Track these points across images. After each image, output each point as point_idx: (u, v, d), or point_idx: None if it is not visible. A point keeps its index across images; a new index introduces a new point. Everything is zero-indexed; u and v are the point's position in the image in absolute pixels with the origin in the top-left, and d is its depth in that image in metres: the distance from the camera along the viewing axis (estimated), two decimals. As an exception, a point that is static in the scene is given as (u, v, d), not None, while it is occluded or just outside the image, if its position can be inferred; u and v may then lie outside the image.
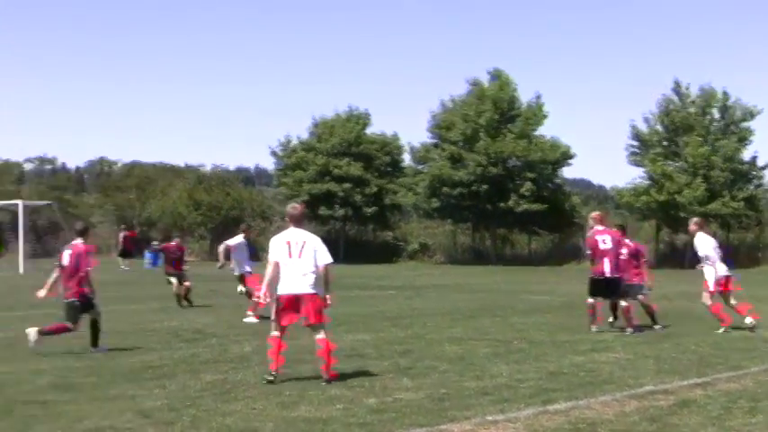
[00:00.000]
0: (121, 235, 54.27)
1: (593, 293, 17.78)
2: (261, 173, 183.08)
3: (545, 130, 59.89)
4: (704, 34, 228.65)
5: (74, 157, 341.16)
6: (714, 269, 17.32)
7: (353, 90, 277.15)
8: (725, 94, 53.35)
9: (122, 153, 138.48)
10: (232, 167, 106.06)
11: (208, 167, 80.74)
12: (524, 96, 60.34)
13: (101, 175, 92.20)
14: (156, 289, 28.51)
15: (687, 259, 42.75)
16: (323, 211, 62.60)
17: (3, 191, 76.52)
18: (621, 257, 17.88)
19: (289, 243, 12.15)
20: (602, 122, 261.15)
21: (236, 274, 22.37)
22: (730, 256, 21.67)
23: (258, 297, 12.96)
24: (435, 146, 61.64)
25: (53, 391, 10.99)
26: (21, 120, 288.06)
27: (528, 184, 55.53)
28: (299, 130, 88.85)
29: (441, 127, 60.65)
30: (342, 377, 11.87)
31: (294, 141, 66.87)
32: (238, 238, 22.67)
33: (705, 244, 17.54)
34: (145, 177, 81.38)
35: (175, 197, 72.47)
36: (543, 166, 56.75)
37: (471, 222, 62.49)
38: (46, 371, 12.60)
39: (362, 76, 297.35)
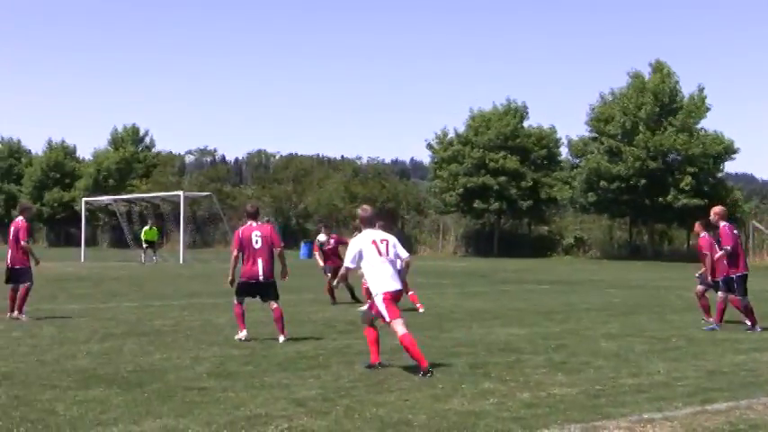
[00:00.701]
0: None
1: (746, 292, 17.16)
2: (416, 165, 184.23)
3: (707, 124, 58.58)
4: None
5: (233, 150, 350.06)
6: None
7: (511, 83, 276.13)
8: None
9: (280, 145, 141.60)
10: (388, 160, 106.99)
11: (364, 160, 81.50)
12: (686, 89, 58.96)
13: (259, 167, 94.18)
14: (309, 280, 28.89)
15: None
16: (478, 204, 62.53)
17: (165, 182, 78.84)
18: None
19: (375, 242, 12.59)
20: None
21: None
22: None
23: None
24: (593, 139, 60.84)
25: (211, 378, 11.25)
26: (183, 114, 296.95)
27: (688, 179, 54.24)
28: (456, 123, 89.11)
29: (599, 120, 59.79)
30: (495, 371, 11.82)
31: (450, 134, 66.98)
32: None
33: None
34: (302, 169, 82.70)
35: (331, 189, 73.44)
36: (704, 161, 55.29)
37: (629, 217, 61.43)
38: (204, 358, 12.91)
39: (520, 69, 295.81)
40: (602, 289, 29.28)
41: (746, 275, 17.09)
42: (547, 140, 66.15)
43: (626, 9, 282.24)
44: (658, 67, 58.67)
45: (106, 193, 72.68)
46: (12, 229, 18.84)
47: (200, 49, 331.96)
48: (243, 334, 15.13)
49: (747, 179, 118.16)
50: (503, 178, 61.73)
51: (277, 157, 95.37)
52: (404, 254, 13.06)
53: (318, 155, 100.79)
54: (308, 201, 75.61)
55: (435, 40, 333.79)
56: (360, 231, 13.39)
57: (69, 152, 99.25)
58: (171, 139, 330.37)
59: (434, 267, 44.16)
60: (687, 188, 54.14)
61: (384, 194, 70.08)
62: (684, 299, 24.07)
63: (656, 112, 56.54)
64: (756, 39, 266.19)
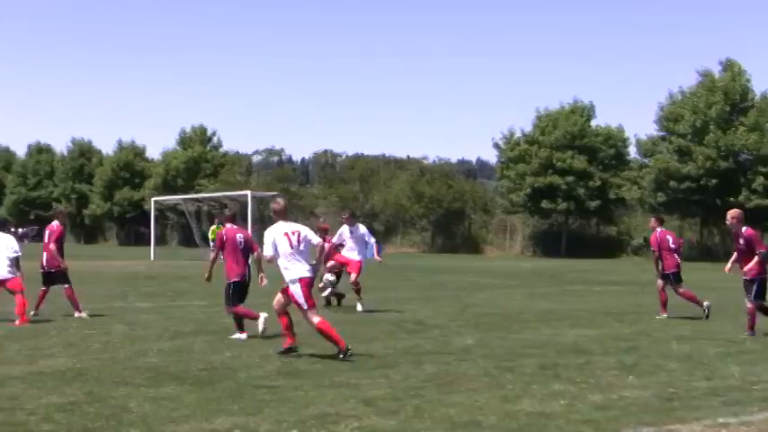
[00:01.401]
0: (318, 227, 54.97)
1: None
2: (483, 165, 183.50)
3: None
4: None
5: (300, 150, 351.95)
6: None
7: (578, 82, 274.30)
8: None
9: (347, 145, 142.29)
10: (454, 159, 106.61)
11: (430, 159, 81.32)
12: (758, 87, 58.04)
13: (325, 167, 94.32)
14: (373, 280, 28.92)
15: None
16: (545, 204, 62.23)
17: (233, 181, 79.43)
18: None
19: (287, 234, 13.28)
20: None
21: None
22: None
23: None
24: (662, 138, 60.18)
25: (281, 376, 11.31)
26: (251, 114, 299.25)
27: (760, 179, 53.45)
28: (523, 123, 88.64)
29: (668, 119, 59.12)
30: (565, 372, 11.74)
31: (517, 134, 66.73)
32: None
33: None
34: (368, 169, 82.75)
35: (398, 189, 73.45)
36: (777, 161, 54.38)
37: (699, 218, 60.69)
38: (274, 357, 12.98)
39: (588, 68, 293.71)
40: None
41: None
42: (615, 140, 65.64)
43: (696, 6, 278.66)
44: (729, 66, 57.92)
45: (174, 193, 73.50)
46: (47, 232, 19.15)
47: (267, 50, 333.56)
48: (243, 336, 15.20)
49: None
50: (570, 178, 61.35)
51: (343, 157, 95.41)
52: (315, 239, 13.66)
53: (384, 154, 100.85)
54: (374, 200, 75.73)
55: (502, 38, 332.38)
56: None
57: (139, 152, 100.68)
58: (238, 139, 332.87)
59: (501, 268, 44.02)
60: (760, 188, 53.37)
61: (450, 194, 69.95)
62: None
63: (727, 111, 55.84)
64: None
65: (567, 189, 61.34)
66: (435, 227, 71.62)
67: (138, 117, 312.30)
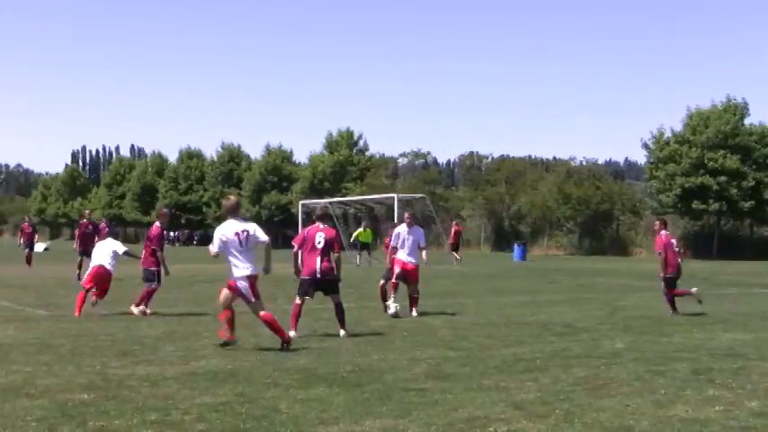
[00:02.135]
0: (453, 230, 54.68)
1: None
2: (631, 166, 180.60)
3: None
4: None
5: (445, 152, 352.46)
6: None
7: (731, 80, 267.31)
8: None
9: (492, 147, 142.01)
10: (601, 160, 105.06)
11: (577, 161, 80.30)
12: None
13: (471, 169, 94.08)
14: (524, 282, 28.72)
15: None
16: (696, 205, 60.72)
17: (379, 185, 79.91)
18: None
19: (237, 233, 13.94)
20: None
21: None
22: None
23: None
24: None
25: (429, 379, 11.31)
26: (396, 117, 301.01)
27: None
28: (673, 122, 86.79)
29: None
30: (719, 377, 11.43)
31: (667, 133, 65.27)
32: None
33: None
34: (514, 171, 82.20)
35: (545, 191, 72.80)
36: None
37: None
38: (421, 360, 13.00)
39: (740, 65, 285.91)
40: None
41: None
42: (770, 139, 63.65)
43: None
44: None
45: (321, 196, 74.39)
46: (149, 233, 20.74)
47: (413, 54, 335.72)
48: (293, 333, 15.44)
49: None
50: (722, 178, 59.73)
51: (489, 159, 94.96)
52: (263, 238, 14.30)
53: (531, 156, 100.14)
54: (520, 202, 75.22)
55: (650, 38, 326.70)
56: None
57: (286, 156, 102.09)
58: (384, 142, 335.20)
59: (651, 270, 43.10)
60: None
61: (598, 195, 68.97)
62: None
63: None
64: None
65: (719, 189, 59.72)
66: (582, 229, 70.73)
67: (285, 122, 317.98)
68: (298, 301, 16.15)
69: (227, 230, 13.98)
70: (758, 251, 60.66)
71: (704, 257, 59.97)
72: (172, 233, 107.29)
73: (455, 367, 12.29)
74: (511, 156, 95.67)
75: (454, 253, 51.58)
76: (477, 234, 78.43)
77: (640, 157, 78.68)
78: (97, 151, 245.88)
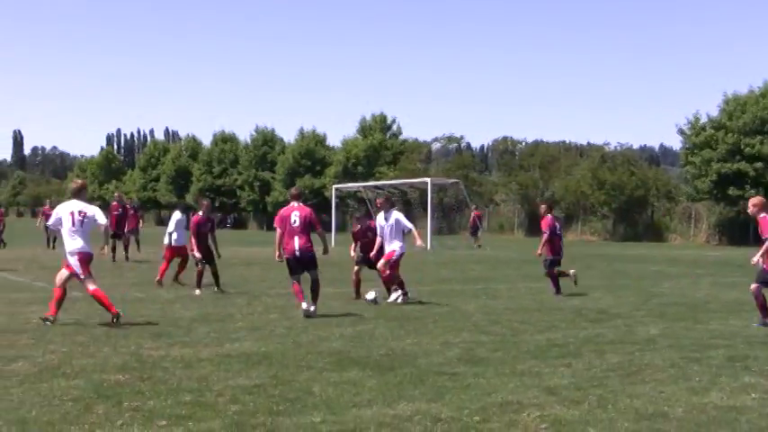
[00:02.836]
0: (472, 215, 54.54)
1: None
2: (666, 152, 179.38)
3: None
4: None
5: (479, 137, 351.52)
6: None
7: None
8: None
9: (526, 132, 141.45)
10: (636, 146, 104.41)
11: (611, 146, 79.72)
12: None
13: (504, 154, 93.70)
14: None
15: None
16: (732, 191, 60.13)
17: (412, 169, 79.80)
18: None
19: (72, 213, 14.70)
20: None
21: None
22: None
23: None
24: None
25: (462, 363, 11.30)
26: (430, 101, 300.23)
27: None
28: (709, 108, 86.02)
29: None
30: (756, 365, 11.35)
31: (703, 119, 64.68)
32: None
33: None
34: (548, 156, 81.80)
35: (579, 176, 72.41)
36: None
37: None
38: (454, 344, 12.99)
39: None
40: None
41: None
42: (809, 124, 62.91)
43: None
44: None
45: (355, 180, 74.38)
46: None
47: (446, 38, 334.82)
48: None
49: None
50: (759, 164, 59.07)
51: (523, 144, 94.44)
52: (102, 221, 15.03)
53: (565, 141, 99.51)
54: (554, 187, 74.85)
55: (688, 23, 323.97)
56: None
57: (320, 140, 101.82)
58: (418, 126, 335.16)
59: (686, 256, 42.89)
60: None
61: (633, 181, 68.43)
62: None
63: None
64: None
65: (756, 176, 59.05)
66: (617, 214, 70.21)
67: (319, 106, 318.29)
68: (294, 282, 16.76)
69: (64, 209, 14.92)
70: (795, 238, 60.02)
71: (740, 244, 59.40)
72: (218, 214, 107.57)
73: (488, 352, 12.28)
74: (545, 141, 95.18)
75: (473, 237, 51.59)
76: (510, 219, 78.17)
77: (675, 143, 78.49)
78: (132, 134, 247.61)
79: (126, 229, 33.40)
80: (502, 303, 19.12)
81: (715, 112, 64.08)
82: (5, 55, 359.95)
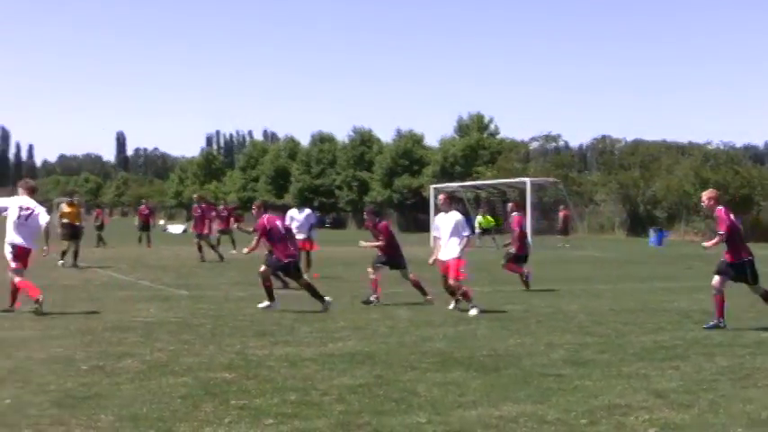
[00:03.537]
0: (561, 214, 53.83)
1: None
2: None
3: None
4: None
5: (577, 136, 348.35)
6: None
7: None
8: None
9: (626, 131, 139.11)
10: (739, 144, 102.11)
11: (714, 144, 78.17)
12: None
13: (603, 153, 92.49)
14: (660, 268, 28.16)
15: None
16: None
17: (510, 168, 79.28)
18: None
19: (20, 207, 15.79)
20: None
21: None
22: None
23: None
24: None
25: (567, 365, 11.16)
26: (527, 100, 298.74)
27: None
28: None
29: None
30: None
31: (811, 116, 63.16)
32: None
33: None
34: (648, 155, 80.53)
35: (681, 175, 71.20)
36: None
37: None
38: (558, 345, 12.85)
39: None
40: None
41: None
42: None
43: None
44: None
45: (452, 180, 74.10)
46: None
47: (543, 36, 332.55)
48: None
49: None
50: None
51: (622, 143, 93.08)
52: (43, 220, 15.93)
53: (665, 140, 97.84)
54: (656, 187, 73.63)
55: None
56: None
57: (417, 140, 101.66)
58: (515, 126, 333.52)
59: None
60: None
61: (737, 180, 67.04)
62: None
63: None
64: None
65: None
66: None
67: (416, 106, 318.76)
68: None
69: (14, 202, 16.09)
70: None
71: None
72: (316, 213, 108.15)
73: (593, 353, 12.12)
74: (645, 140, 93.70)
75: (562, 237, 51.09)
76: (611, 219, 77.15)
77: (781, 141, 76.38)
78: (231, 135, 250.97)
79: (216, 229, 33.71)
80: (605, 304, 18.89)
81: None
82: (109, 58, 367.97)
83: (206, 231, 32.99)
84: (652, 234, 56.66)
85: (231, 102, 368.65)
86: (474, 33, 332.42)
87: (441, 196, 18.34)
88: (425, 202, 70.62)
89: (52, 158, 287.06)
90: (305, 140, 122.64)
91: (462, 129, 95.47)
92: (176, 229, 78.83)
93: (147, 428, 7.70)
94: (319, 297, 17.01)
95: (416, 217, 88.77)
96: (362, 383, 9.77)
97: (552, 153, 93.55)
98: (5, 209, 15.99)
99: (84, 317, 15.29)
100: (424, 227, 73.40)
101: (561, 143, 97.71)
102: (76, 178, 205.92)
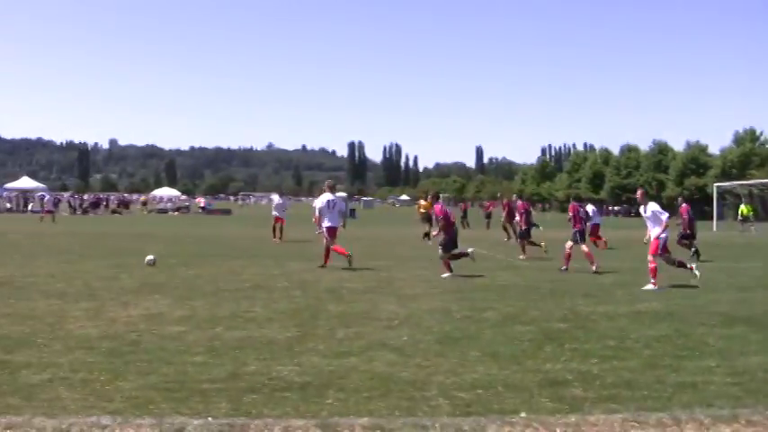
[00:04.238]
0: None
1: None
2: None
3: None
4: None
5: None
6: None
7: None
8: None
9: None
10: None
11: None
12: None
13: None
14: None
15: None
16: None
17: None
18: None
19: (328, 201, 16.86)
20: None
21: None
22: None
23: None
24: None
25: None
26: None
27: None
28: None
29: None
30: None
31: None
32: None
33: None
34: None
35: None
36: None
37: None
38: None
39: None
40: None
41: None
42: None
43: None
44: None
45: (731, 180, 69.60)
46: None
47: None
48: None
49: None
50: None
51: None
52: (342, 206, 17.08)
53: None
54: None
55: None
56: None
57: (702, 149, 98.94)
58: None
59: None
60: None
61: None
62: None
63: None
64: None
65: None
66: None
67: (703, 119, 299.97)
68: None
69: (324, 198, 17.21)
70: None
71: None
72: (616, 207, 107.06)
73: None
74: None
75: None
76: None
77: None
78: (559, 147, 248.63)
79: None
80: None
81: None
82: (467, 85, 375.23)
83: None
84: None
85: (561, 119, 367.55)
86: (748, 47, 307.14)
87: (638, 192, 16.16)
88: (709, 197, 66.50)
89: (430, 165, 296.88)
90: (616, 150, 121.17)
91: (739, 140, 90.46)
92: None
93: (504, 362, 7.76)
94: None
95: (702, 209, 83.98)
96: (664, 335, 9.31)
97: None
98: (320, 203, 17.31)
99: (460, 279, 15.50)
100: (707, 216, 69.22)
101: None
102: (447, 180, 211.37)
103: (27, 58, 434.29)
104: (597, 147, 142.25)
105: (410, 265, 18.43)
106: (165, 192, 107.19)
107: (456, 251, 16.40)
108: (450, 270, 15.88)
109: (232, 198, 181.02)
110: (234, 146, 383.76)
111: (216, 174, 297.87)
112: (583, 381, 7.00)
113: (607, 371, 7.38)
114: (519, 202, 24.26)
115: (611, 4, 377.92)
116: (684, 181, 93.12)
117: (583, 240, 18.14)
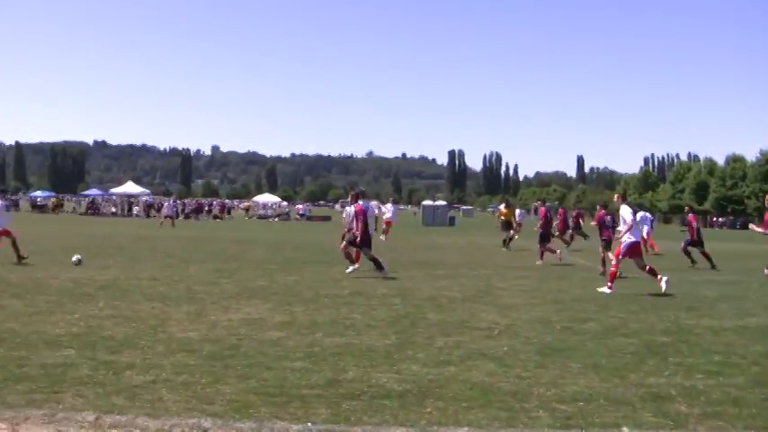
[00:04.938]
0: None
1: None
2: None
3: None
4: None
5: None
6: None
7: None
8: None
9: None
10: None
11: None
12: None
13: None
14: None
15: None
16: None
17: None
18: None
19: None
20: None
21: None
22: None
23: None
24: None
25: None
26: None
27: None
28: None
29: None
30: None
31: None
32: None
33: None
34: None
35: None
36: None
37: None
38: None
39: None
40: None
41: None
42: None
43: None
44: None
45: None
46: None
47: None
48: None
49: None
50: None
51: None
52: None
53: None
54: None
55: None
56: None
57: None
58: None
59: None
60: None
61: None
62: None
63: None
64: None
65: None
66: None
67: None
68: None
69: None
70: None
71: None
72: (720, 219, 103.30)
73: None
74: None
75: None
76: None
77: None
78: (662, 156, 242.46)
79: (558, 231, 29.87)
80: None
81: None
82: (523, 98, 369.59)
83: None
84: None
85: (664, 129, 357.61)
86: None
87: (615, 196, 17.13)
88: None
89: (530, 174, 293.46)
90: (721, 160, 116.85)
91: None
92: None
93: (605, 375, 7.61)
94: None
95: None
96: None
97: None
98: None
99: (556, 291, 15.25)
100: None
101: None
102: (547, 189, 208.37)
103: (134, 69, 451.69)
104: (702, 157, 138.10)
105: (509, 274, 18.28)
106: (266, 198, 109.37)
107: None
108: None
109: (332, 205, 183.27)
110: (334, 153, 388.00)
111: (316, 180, 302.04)
112: (687, 396, 6.81)
113: (712, 387, 7.16)
114: (560, 210, 25.67)
115: (719, 11, 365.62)
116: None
117: (608, 249, 18.13)
